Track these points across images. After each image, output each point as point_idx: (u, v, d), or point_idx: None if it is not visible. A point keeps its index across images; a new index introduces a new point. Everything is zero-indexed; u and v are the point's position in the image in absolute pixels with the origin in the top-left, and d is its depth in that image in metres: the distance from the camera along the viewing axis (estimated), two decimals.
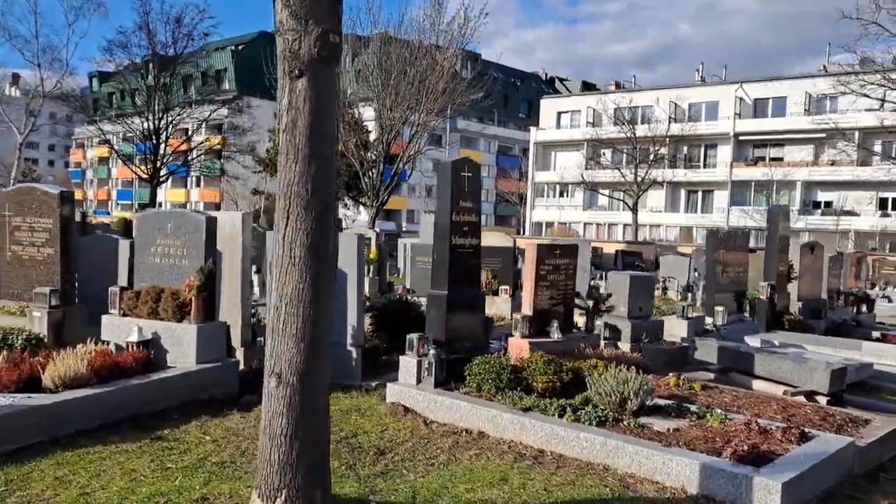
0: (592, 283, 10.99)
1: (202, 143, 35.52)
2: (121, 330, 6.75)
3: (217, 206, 65.73)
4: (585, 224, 51.97)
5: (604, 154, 49.69)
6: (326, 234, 3.58)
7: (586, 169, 48.82)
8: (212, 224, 6.79)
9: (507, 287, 13.41)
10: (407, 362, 6.53)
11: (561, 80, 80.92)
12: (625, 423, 5.29)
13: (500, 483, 4.54)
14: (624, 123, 44.24)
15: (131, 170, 34.46)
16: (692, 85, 50.76)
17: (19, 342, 6.81)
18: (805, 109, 43.99)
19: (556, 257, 7.77)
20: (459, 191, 6.79)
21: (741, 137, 46.63)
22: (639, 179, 42.07)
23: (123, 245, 8.39)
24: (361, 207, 39.57)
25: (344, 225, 40.13)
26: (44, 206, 7.32)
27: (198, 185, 66.05)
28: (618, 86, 57.85)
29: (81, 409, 5.26)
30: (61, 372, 5.41)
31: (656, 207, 48.90)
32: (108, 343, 6.67)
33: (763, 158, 46.51)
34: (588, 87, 72.40)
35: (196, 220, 6.77)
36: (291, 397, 3.50)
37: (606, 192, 48.34)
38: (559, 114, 54.80)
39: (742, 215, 44.15)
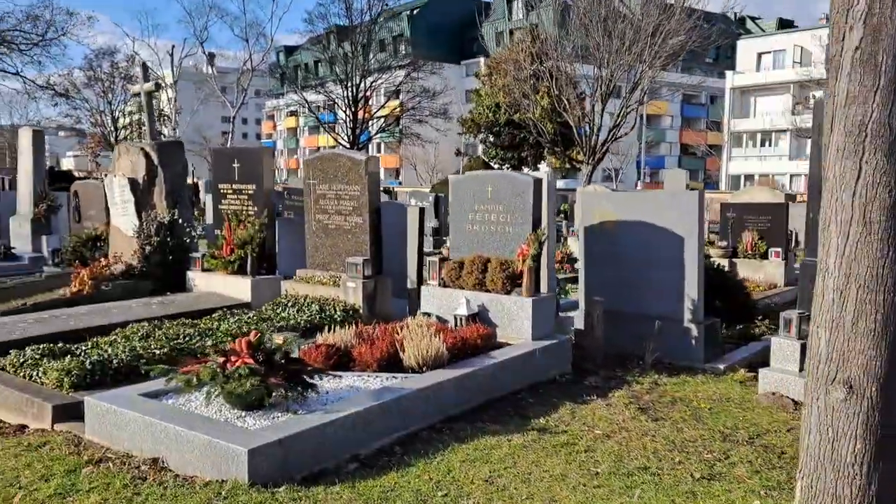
0: None
1: (396, 107, 36.06)
2: (441, 301, 6.30)
3: (396, 172, 67.73)
4: (792, 176, 46.91)
5: (814, 96, 44.25)
6: None
7: (793, 114, 43.80)
8: (538, 186, 6.09)
9: (778, 249, 11.81)
10: (782, 345, 5.47)
11: (753, 19, 73.26)
12: None
13: None
14: None
15: (335, 139, 35.84)
16: None
17: (338, 314, 6.62)
18: None
19: None
20: None
21: None
22: None
23: (412, 212, 8.01)
24: (543, 164, 38.42)
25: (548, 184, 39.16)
26: (350, 174, 7.02)
27: (378, 150, 68.14)
28: (828, 19, 51.06)
29: (453, 392, 4.79)
30: (423, 350, 4.96)
31: None
32: (430, 315, 6.26)
33: None
34: (784, 25, 64.97)
35: (522, 183, 6.09)
36: (868, 414, 2.60)
37: None
38: (759, 55, 49.56)
39: None
